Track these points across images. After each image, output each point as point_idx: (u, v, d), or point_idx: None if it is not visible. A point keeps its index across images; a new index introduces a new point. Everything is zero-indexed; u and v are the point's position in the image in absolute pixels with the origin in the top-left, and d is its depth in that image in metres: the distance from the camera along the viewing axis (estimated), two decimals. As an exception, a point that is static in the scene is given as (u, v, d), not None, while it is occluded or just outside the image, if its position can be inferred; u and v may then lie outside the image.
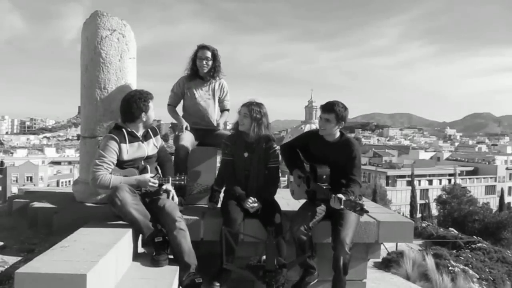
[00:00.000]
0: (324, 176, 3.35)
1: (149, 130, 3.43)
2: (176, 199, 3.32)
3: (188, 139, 3.88)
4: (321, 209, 3.40)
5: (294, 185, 3.71)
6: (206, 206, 3.93)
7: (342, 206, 3.04)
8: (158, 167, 3.46)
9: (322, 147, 3.47)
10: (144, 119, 3.31)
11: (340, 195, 3.07)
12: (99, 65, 3.74)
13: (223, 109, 4.28)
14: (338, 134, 3.46)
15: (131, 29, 3.91)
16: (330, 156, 3.42)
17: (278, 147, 3.64)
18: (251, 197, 3.41)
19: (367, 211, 2.98)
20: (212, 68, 4.06)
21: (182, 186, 3.67)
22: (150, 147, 3.39)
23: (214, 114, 4.20)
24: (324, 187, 3.28)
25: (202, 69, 4.03)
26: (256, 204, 3.39)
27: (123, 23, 3.84)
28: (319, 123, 3.45)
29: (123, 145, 3.21)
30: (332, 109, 3.32)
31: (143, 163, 3.30)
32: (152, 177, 3.22)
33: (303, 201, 3.59)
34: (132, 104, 3.25)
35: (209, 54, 4.00)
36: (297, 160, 3.62)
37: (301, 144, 3.66)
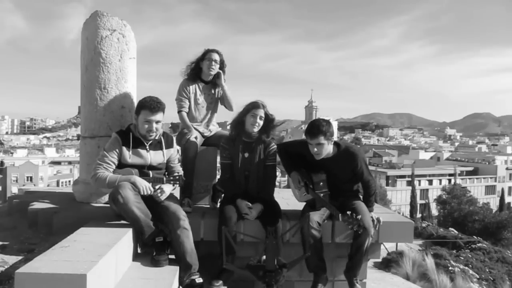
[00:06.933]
0: (321, 183, 3.34)
1: (162, 140, 3.34)
2: (166, 194, 3.21)
3: (197, 139, 3.89)
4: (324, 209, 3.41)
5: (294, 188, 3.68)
6: (207, 206, 3.93)
7: (340, 220, 3.13)
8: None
9: (322, 161, 3.35)
10: (134, 123, 3.25)
11: (337, 211, 3.14)
12: (99, 65, 3.74)
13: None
14: (332, 148, 3.33)
15: (131, 29, 3.91)
16: (333, 169, 3.38)
17: (275, 146, 3.61)
18: (247, 203, 3.35)
19: (363, 228, 3.10)
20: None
21: (188, 187, 3.64)
22: (156, 157, 3.31)
23: (214, 118, 4.21)
24: (322, 195, 3.30)
25: (209, 71, 3.98)
26: (254, 212, 3.33)
27: (123, 23, 3.84)
28: (312, 150, 3.27)
29: (125, 149, 3.20)
30: (319, 132, 3.18)
31: (146, 170, 3.24)
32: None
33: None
34: (137, 103, 3.28)
35: (217, 57, 3.97)
36: (295, 162, 3.56)
37: (296, 151, 3.56)
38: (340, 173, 3.41)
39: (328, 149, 3.28)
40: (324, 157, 3.30)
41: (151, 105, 3.17)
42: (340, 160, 3.35)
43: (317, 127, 3.21)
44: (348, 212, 3.09)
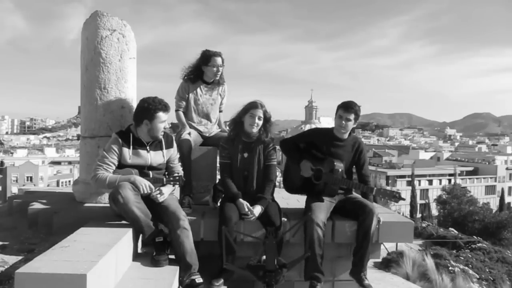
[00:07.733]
0: (340, 170, 3.43)
1: (162, 140, 3.34)
2: (164, 196, 3.21)
3: (191, 136, 3.87)
4: (330, 204, 3.45)
5: (294, 176, 3.68)
6: (207, 205, 3.93)
7: (373, 194, 3.32)
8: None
9: (333, 146, 3.51)
10: (147, 128, 3.21)
11: (370, 187, 3.35)
12: (99, 65, 3.74)
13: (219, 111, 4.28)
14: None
15: (131, 29, 3.91)
16: (342, 155, 3.50)
17: (275, 146, 3.61)
18: (248, 205, 3.34)
19: (403, 198, 3.30)
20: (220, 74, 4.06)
21: (186, 185, 3.63)
22: (156, 158, 3.31)
23: (215, 118, 4.21)
24: (344, 178, 3.42)
25: (213, 76, 3.99)
26: (255, 213, 3.31)
27: (123, 23, 3.84)
28: (338, 122, 3.46)
29: (125, 149, 3.20)
30: (353, 109, 3.43)
31: (146, 171, 3.24)
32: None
33: (300, 198, 3.61)
34: (140, 107, 3.23)
35: (221, 61, 3.98)
36: (303, 153, 3.60)
37: (305, 142, 3.65)
38: (348, 159, 3.52)
39: (349, 129, 3.49)
40: (340, 137, 3.51)
41: (164, 106, 3.22)
42: (350, 144, 3.53)
43: (353, 104, 3.45)
44: (388, 187, 3.21)
